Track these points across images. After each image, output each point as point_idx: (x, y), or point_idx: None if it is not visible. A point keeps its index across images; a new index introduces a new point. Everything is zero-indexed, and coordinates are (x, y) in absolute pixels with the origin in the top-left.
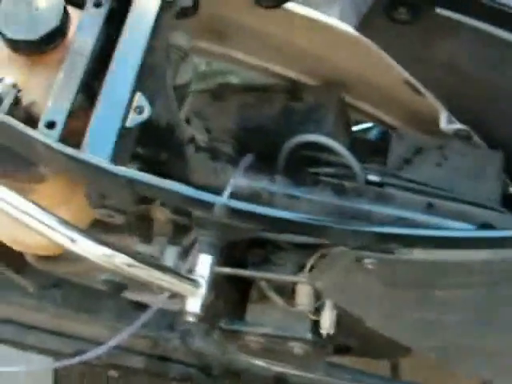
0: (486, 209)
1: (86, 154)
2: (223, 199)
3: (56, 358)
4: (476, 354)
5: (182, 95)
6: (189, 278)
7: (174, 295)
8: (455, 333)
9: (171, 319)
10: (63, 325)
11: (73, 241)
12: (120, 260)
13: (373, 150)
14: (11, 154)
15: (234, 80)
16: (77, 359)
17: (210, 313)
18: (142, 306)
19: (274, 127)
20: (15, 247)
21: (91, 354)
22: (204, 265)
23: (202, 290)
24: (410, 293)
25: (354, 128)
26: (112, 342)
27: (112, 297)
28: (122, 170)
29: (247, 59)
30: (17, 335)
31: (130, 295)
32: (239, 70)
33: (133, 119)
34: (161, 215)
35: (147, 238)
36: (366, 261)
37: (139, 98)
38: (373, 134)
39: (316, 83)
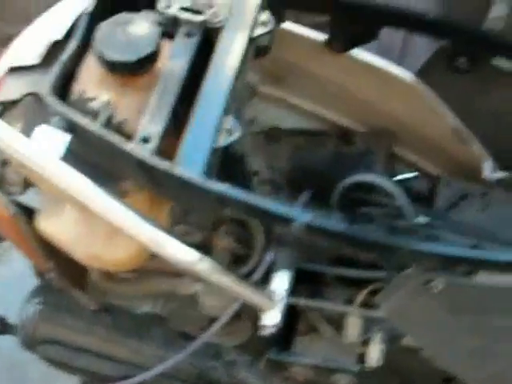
0: None
1: (180, 168)
2: (306, 216)
3: None
4: None
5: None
6: (268, 292)
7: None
8: (508, 363)
9: (217, 349)
10: (112, 349)
11: (164, 243)
12: (206, 266)
13: (414, 197)
14: (98, 168)
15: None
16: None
17: (255, 344)
18: (189, 336)
19: (326, 169)
20: (90, 262)
21: (137, 380)
22: (281, 280)
23: (281, 303)
24: (470, 319)
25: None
26: (158, 369)
27: (160, 325)
28: (214, 185)
29: (303, 104)
30: (67, 357)
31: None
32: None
33: (224, 140)
34: (223, 243)
35: None
36: (433, 284)
37: (229, 121)
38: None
39: (366, 130)
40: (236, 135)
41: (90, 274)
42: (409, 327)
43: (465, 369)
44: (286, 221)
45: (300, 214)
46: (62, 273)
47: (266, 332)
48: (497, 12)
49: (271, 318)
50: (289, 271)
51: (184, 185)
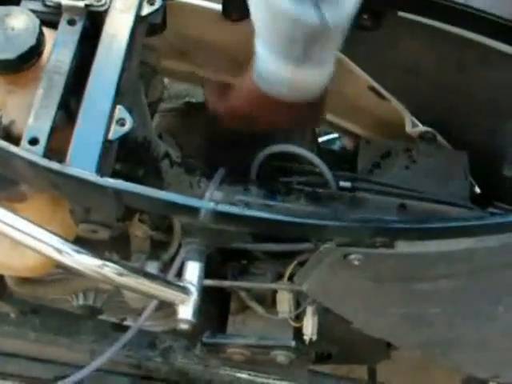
0: (456, 207)
1: (71, 167)
2: (210, 204)
3: None
4: (459, 348)
5: (151, 112)
6: (179, 286)
7: (158, 310)
8: (439, 326)
9: (152, 338)
10: (44, 350)
11: (63, 253)
12: (110, 270)
13: (338, 159)
14: None
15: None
16: None
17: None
18: (122, 327)
19: (243, 140)
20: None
21: (72, 379)
22: (193, 272)
23: (193, 296)
24: (395, 287)
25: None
26: (93, 365)
27: (91, 319)
28: (108, 181)
29: (212, 77)
30: None
31: (110, 317)
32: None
33: (115, 131)
34: (139, 232)
35: (125, 256)
36: (352, 257)
37: (120, 111)
38: (336, 145)
39: None
40: (129, 125)
41: (6, 280)
42: (333, 301)
43: (398, 336)
44: (190, 211)
45: (204, 203)
46: None
47: (182, 326)
48: None
49: (185, 313)
50: (200, 261)
51: (78, 184)
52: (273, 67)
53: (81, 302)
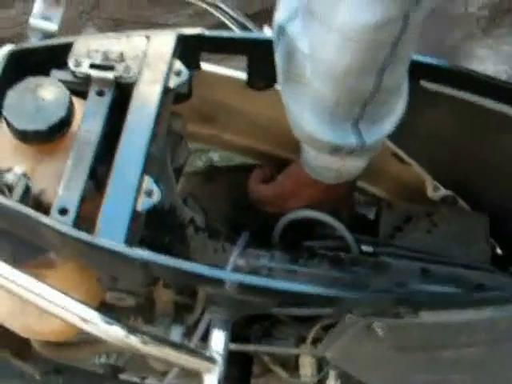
0: (477, 270)
1: (100, 238)
2: (235, 276)
3: None
4: None
5: (176, 178)
6: (204, 355)
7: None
8: None
9: None
10: None
11: (88, 322)
12: (135, 339)
13: (361, 224)
14: (22, 241)
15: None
16: None
17: None
18: None
19: None
20: (26, 335)
21: None
22: (218, 341)
23: (219, 365)
24: (418, 355)
25: None
26: None
27: (113, 380)
28: (137, 252)
29: (236, 140)
30: None
31: (132, 377)
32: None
33: (143, 203)
34: (164, 296)
35: (150, 320)
36: (376, 327)
37: (148, 182)
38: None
39: None
40: (157, 196)
41: (32, 343)
42: (357, 369)
43: None
44: (216, 282)
45: (230, 275)
46: (2, 344)
47: None
48: None
49: (210, 382)
50: (225, 330)
51: (106, 255)
52: (320, 162)
53: (103, 360)
